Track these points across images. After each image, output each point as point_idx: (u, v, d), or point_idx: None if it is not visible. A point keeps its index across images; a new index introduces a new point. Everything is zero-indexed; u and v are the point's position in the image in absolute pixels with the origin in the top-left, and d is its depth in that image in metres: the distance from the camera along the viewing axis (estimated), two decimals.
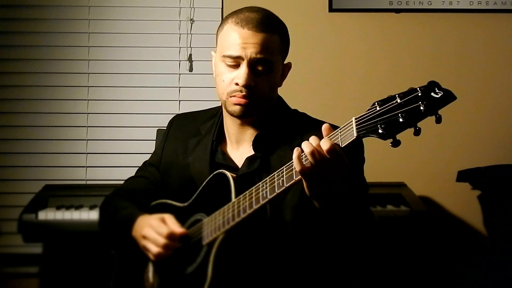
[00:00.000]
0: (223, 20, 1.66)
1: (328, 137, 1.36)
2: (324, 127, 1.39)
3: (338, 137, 1.33)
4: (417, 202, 2.53)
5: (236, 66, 1.58)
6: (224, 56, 1.59)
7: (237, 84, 1.57)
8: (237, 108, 1.59)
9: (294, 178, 1.39)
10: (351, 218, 1.46)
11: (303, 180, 1.38)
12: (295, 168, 1.37)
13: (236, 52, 1.57)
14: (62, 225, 2.42)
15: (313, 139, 1.35)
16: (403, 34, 2.95)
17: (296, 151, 1.36)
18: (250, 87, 1.57)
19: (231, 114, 1.62)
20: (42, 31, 2.95)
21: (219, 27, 1.67)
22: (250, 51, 1.56)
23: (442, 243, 2.83)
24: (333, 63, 2.95)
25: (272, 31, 1.59)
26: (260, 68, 1.57)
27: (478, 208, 2.85)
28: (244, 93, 1.57)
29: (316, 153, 1.33)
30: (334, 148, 1.33)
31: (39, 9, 2.95)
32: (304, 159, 1.36)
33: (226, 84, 1.60)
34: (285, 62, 1.69)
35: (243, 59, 1.56)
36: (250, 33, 1.56)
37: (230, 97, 1.59)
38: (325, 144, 1.33)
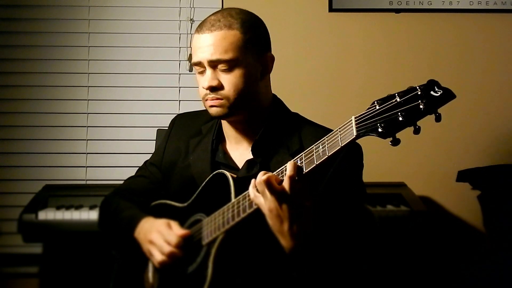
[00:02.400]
0: None
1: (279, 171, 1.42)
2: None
3: (338, 137, 1.33)
4: (417, 202, 2.53)
5: (204, 71, 1.60)
6: (192, 65, 1.63)
7: (203, 87, 1.60)
8: (213, 110, 1.60)
9: None
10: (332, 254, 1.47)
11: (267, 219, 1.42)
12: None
13: (196, 58, 1.59)
14: (62, 225, 2.42)
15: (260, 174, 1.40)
16: (403, 34, 2.95)
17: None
18: (215, 88, 1.58)
19: (213, 117, 1.64)
20: (42, 31, 2.95)
21: None
22: (206, 54, 1.56)
23: (442, 243, 2.83)
24: (333, 63, 2.95)
25: (228, 27, 1.57)
26: (221, 67, 1.57)
27: (478, 208, 2.85)
28: (212, 95, 1.58)
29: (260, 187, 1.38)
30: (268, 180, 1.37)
31: (39, 9, 2.96)
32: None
33: (200, 90, 1.62)
34: (268, 54, 1.65)
35: (203, 63, 1.58)
36: (204, 36, 1.57)
37: (205, 101, 1.61)
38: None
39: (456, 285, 2.83)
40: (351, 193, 1.58)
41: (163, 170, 1.78)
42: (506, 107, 2.93)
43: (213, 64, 1.57)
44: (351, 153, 1.57)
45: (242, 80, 1.58)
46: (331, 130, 1.57)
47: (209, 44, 1.56)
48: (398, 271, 2.58)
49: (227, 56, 1.56)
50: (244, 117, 1.63)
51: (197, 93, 2.99)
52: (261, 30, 1.64)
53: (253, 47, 1.60)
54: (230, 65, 1.57)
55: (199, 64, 1.59)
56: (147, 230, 1.63)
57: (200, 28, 1.60)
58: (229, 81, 1.57)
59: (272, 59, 1.65)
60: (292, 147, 1.60)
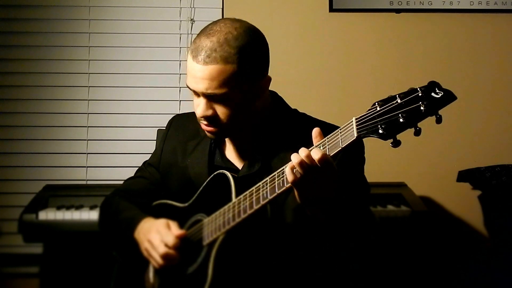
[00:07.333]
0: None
1: (319, 144, 1.38)
2: (315, 132, 1.40)
3: (339, 139, 1.33)
4: (418, 202, 2.53)
5: (198, 95, 1.57)
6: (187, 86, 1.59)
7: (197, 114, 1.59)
8: (208, 134, 1.61)
9: None
10: (344, 222, 1.46)
11: (295, 189, 1.40)
12: (287, 179, 1.38)
13: (191, 86, 1.55)
14: (63, 225, 2.42)
15: (302, 150, 1.36)
16: (403, 34, 2.95)
17: (290, 163, 1.37)
18: (209, 117, 1.56)
19: None
20: (42, 31, 2.95)
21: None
22: (200, 87, 1.52)
23: (442, 243, 2.83)
24: (333, 63, 2.95)
25: (224, 61, 1.49)
26: (215, 99, 1.54)
27: (478, 208, 2.85)
28: (206, 122, 1.58)
29: (304, 163, 1.35)
30: (324, 157, 1.34)
31: (39, 9, 2.95)
32: (295, 170, 1.37)
33: (194, 109, 1.60)
34: (265, 79, 1.60)
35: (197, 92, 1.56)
36: (198, 67, 1.50)
37: (199, 121, 1.60)
38: (316, 154, 1.34)
39: (456, 285, 2.83)
40: (353, 192, 1.57)
41: (161, 171, 1.78)
42: (506, 107, 2.93)
43: (206, 96, 1.54)
44: (353, 148, 1.56)
45: (236, 109, 1.56)
46: (333, 125, 1.58)
47: (203, 78, 1.50)
48: (399, 271, 2.59)
49: (222, 91, 1.51)
50: (241, 130, 1.63)
51: None
52: (259, 54, 1.56)
53: (249, 76, 1.53)
54: (223, 98, 1.53)
55: (193, 90, 1.56)
56: (147, 230, 1.63)
57: (194, 53, 1.52)
58: (223, 111, 1.55)
59: (268, 81, 1.60)
60: (294, 143, 1.59)
